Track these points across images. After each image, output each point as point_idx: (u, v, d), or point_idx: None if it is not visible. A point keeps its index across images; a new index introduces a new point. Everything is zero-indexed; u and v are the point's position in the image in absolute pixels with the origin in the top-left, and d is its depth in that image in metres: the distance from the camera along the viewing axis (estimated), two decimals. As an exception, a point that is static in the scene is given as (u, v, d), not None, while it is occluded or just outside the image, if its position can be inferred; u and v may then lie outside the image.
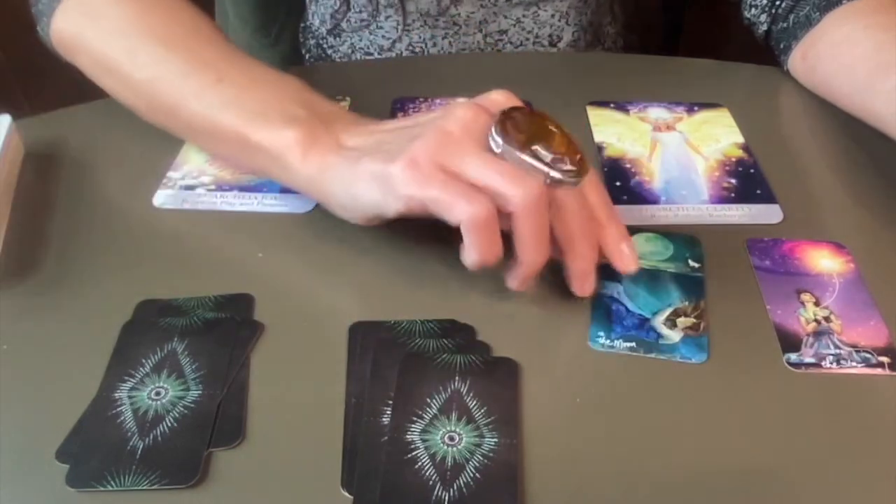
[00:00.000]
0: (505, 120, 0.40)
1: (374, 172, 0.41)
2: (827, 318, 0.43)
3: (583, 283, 0.42)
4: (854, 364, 0.40)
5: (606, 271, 0.43)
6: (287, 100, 0.48)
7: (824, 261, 0.46)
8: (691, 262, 0.46)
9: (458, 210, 0.39)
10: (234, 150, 0.49)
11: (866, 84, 0.54)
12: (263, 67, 0.51)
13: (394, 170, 0.40)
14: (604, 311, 0.43)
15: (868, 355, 0.41)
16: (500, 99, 0.43)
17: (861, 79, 0.55)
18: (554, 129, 0.42)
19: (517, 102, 0.43)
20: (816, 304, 0.43)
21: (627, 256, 0.42)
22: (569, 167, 0.40)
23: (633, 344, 0.41)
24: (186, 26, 0.53)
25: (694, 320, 0.42)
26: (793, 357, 0.41)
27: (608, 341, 0.41)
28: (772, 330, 0.42)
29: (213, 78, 0.49)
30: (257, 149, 0.47)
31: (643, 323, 0.42)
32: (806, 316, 0.43)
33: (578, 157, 0.41)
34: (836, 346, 0.41)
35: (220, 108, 0.48)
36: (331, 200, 0.45)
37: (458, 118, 0.41)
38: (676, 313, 0.42)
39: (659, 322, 0.42)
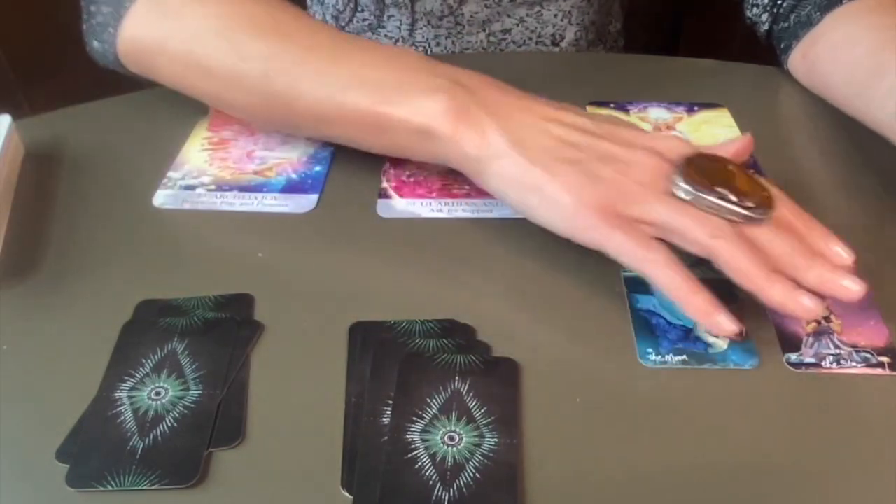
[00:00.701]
0: (687, 165, 0.42)
1: (553, 197, 0.42)
2: (827, 319, 0.43)
3: (790, 308, 0.39)
4: (854, 364, 0.40)
5: (637, 284, 0.44)
6: (419, 70, 0.46)
7: (823, 261, 0.46)
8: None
9: (639, 258, 0.40)
10: (367, 132, 0.47)
11: (863, 86, 0.54)
12: (378, 44, 0.50)
13: (581, 209, 0.41)
14: (645, 325, 0.42)
15: (868, 355, 0.41)
16: (677, 145, 0.44)
17: (858, 81, 0.54)
18: (734, 170, 0.42)
19: (692, 148, 0.44)
20: None
21: (848, 282, 0.39)
22: (755, 203, 0.41)
23: (685, 357, 0.40)
24: (284, 14, 0.50)
25: None
26: (793, 357, 0.41)
27: (659, 357, 0.40)
28: (772, 330, 0.42)
29: (331, 60, 0.47)
30: (399, 125, 0.45)
31: (688, 334, 0.41)
32: None
33: (764, 192, 0.41)
34: (836, 346, 0.41)
35: (348, 90, 0.46)
36: (487, 185, 0.45)
37: (645, 167, 0.42)
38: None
39: (702, 331, 0.42)
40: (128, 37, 0.53)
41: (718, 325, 0.39)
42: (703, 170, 0.42)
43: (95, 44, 0.55)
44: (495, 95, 0.45)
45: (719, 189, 0.41)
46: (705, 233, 0.40)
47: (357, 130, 0.48)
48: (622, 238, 0.40)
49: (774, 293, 0.39)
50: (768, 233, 0.40)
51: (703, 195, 0.41)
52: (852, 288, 0.39)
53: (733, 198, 0.40)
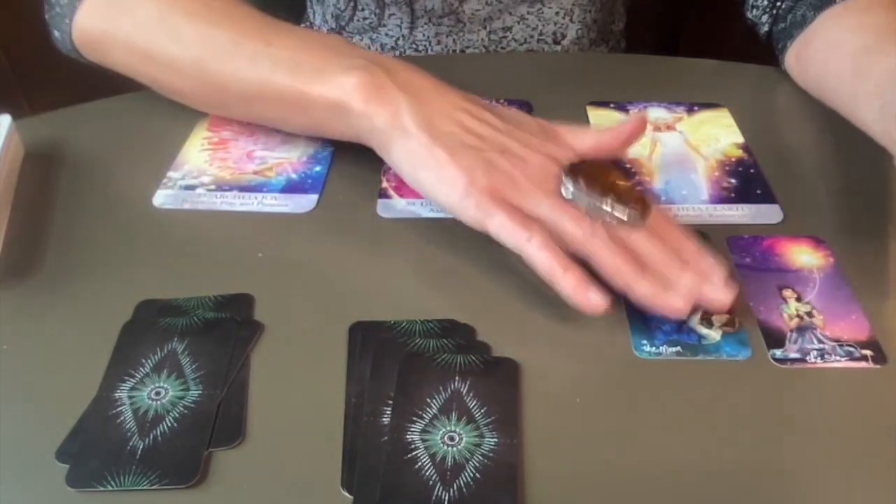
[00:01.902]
0: (575, 168, 0.45)
1: (448, 176, 0.44)
2: (809, 314, 0.43)
3: (657, 303, 0.41)
4: (838, 358, 0.41)
5: None
6: (342, 53, 0.49)
7: (804, 256, 0.46)
8: None
9: (519, 237, 0.42)
10: (292, 111, 0.50)
11: (851, 87, 0.53)
12: (309, 31, 0.52)
13: (471, 189, 0.43)
14: (639, 317, 0.42)
15: (851, 349, 0.41)
16: (569, 153, 0.46)
17: (846, 81, 0.54)
18: (617, 178, 0.45)
19: (581, 157, 0.47)
20: (798, 299, 0.44)
21: (717, 290, 0.41)
22: (632, 209, 0.43)
23: (679, 348, 0.41)
24: (224, 4, 0.53)
25: (727, 316, 0.42)
26: (778, 353, 0.41)
27: (654, 348, 0.41)
28: (756, 327, 0.42)
29: (262, 44, 0.50)
30: (317, 103, 0.48)
31: (681, 326, 0.42)
32: (789, 312, 0.43)
33: (641, 199, 0.44)
34: (820, 341, 0.41)
35: (275, 71, 0.49)
36: (389, 159, 0.47)
37: (537, 165, 0.45)
38: (709, 311, 0.42)
39: (695, 323, 0.42)
40: (80, 26, 0.56)
41: (589, 300, 0.40)
42: (589, 175, 0.44)
43: (56, 33, 0.58)
44: (412, 78, 0.48)
45: (601, 193, 0.43)
46: (582, 231, 0.42)
47: (282, 110, 0.50)
48: (504, 218, 0.42)
49: (642, 288, 0.41)
50: (643, 239, 0.43)
51: (585, 196, 0.43)
52: (720, 297, 0.41)
53: (613, 202, 0.43)
